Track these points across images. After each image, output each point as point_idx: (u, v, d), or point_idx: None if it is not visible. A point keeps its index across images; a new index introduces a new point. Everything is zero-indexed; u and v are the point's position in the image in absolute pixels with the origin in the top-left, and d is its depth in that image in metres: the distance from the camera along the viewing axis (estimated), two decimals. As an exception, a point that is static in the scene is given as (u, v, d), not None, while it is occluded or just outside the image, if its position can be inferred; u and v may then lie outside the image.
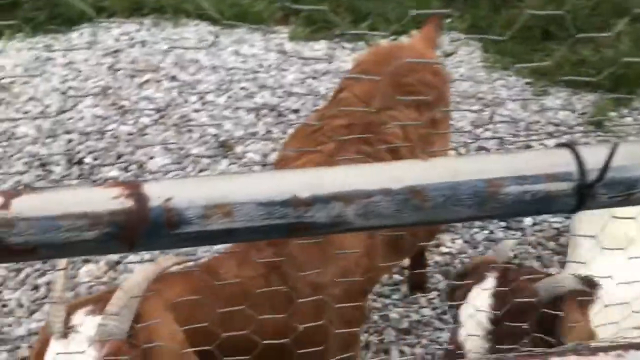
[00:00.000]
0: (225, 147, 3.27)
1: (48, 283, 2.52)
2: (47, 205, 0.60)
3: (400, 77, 1.77)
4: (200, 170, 3.08)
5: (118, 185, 0.62)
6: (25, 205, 0.60)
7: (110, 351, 1.14)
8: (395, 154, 1.79)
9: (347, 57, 3.95)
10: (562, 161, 0.66)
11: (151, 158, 3.13)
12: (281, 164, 1.96)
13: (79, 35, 4.01)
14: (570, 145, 0.67)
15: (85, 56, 3.82)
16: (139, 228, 0.61)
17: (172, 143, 3.19)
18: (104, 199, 0.61)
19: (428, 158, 0.67)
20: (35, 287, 2.52)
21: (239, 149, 3.25)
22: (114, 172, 3.01)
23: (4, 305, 2.45)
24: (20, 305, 2.46)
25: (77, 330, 1.17)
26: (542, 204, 0.66)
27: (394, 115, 1.72)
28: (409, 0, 4.45)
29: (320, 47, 4.04)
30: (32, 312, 2.44)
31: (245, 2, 4.27)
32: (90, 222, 0.60)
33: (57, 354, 1.14)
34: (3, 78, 3.52)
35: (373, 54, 1.99)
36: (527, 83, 3.84)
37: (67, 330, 1.18)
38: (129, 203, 0.61)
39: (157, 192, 0.62)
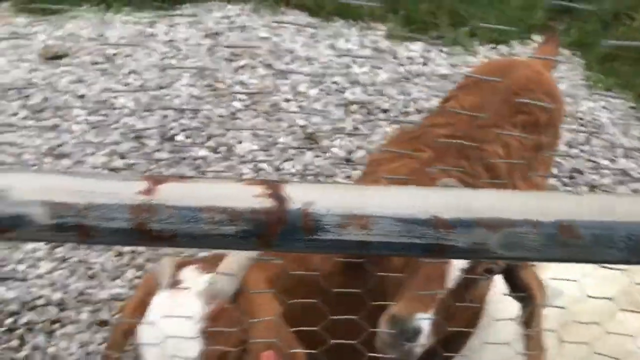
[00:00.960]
0: (311, 140, 3.28)
1: (132, 251, 2.61)
2: (190, 195, 0.60)
3: (513, 94, 1.70)
4: (285, 160, 3.11)
5: (260, 184, 0.61)
6: (169, 193, 0.60)
7: (217, 308, 1.18)
8: (492, 174, 1.73)
9: (442, 61, 3.87)
10: None
11: (239, 142, 3.18)
12: (373, 164, 1.94)
13: (182, 15, 4.12)
14: None
15: (186, 35, 3.92)
16: (276, 229, 0.60)
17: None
18: (246, 196, 0.60)
19: (536, 187, 0.63)
20: (120, 254, 2.61)
21: (324, 142, 3.25)
22: (203, 152, 3.08)
23: (89, 269, 2.55)
24: (104, 270, 2.56)
25: (186, 284, 1.21)
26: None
27: (500, 136, 1.66)
28: (513, 9, 4.32)
29: (416, 48, 3.98)
30: (114, 278, 2.53)
31: (346, -4, 4.26)
32: (229, 217, 0.60)
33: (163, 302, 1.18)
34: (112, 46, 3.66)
35: (487, 67, 1.92)
36: (631, 107, 3.64)
37: (175, 283, 1.22)
38: (269, 203, 0.60)
39: (297, 196, 0.61)
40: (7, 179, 0.61)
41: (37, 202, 0.59)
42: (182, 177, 0.63)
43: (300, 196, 0.61)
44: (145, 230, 0.60)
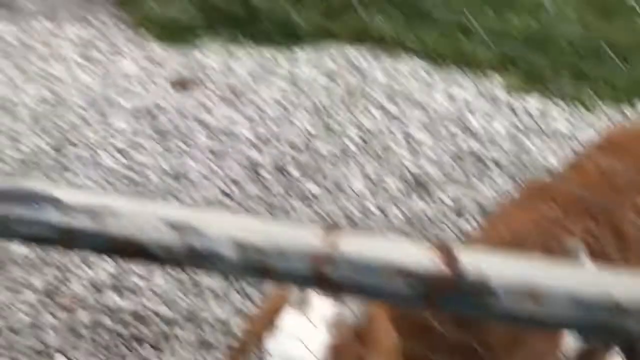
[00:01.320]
0: (420, 186, 3.28)
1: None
2: (367, 250, 0.64)
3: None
4: (393, 204, 3.13)
5: (434, 246, 0.64)
6: (348, 246, 0.64)
7: (341, 335, 1.21)
8: (621, 241, 1.66)
9: (562, 118, 3.77)
10: None
11: (349, 181, 3.23)
12: (496, 214, 1.93)
13: (302, 53, 4.28)
14: None
15: (305, 73, 4.06)
16: (446, 293, 0.62)
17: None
18: (420, 257, 0.63)
19: None
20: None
21: (434, 190, 3.24)
22: (313, 188, 3.16)
23: (200, 289, 2.67)
24: (212, 291, 2.66)
25: (313, 306, 1.25)
26: None
27: (637, 204, 1.59)
28: (640, 70, 4.15)
29: (534, 102, 3.90)
30: (222, 302, 2.63)
31: (465, 45, 4.27)
32: (402, 276, 0.63)
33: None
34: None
35: (628, 130, 1.87)
36: None
37: (303, 302, 1.27)
38: (442, 266, 0.62)
39: (471, 262, 0.62)
40: (203, 217, 0.67)
41: (230, 241, 0.65)
42: (358, 231, 0.66)
43: (474, 263, 0.63)
44: (323, 279, 0.64)
